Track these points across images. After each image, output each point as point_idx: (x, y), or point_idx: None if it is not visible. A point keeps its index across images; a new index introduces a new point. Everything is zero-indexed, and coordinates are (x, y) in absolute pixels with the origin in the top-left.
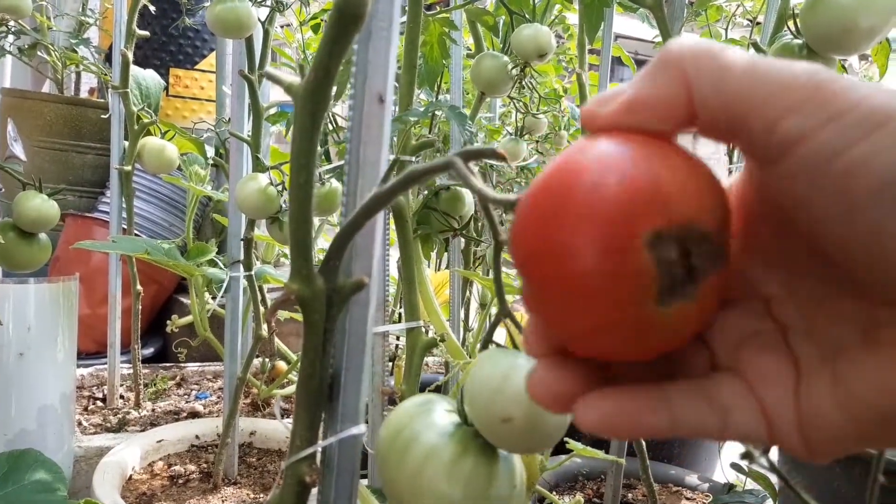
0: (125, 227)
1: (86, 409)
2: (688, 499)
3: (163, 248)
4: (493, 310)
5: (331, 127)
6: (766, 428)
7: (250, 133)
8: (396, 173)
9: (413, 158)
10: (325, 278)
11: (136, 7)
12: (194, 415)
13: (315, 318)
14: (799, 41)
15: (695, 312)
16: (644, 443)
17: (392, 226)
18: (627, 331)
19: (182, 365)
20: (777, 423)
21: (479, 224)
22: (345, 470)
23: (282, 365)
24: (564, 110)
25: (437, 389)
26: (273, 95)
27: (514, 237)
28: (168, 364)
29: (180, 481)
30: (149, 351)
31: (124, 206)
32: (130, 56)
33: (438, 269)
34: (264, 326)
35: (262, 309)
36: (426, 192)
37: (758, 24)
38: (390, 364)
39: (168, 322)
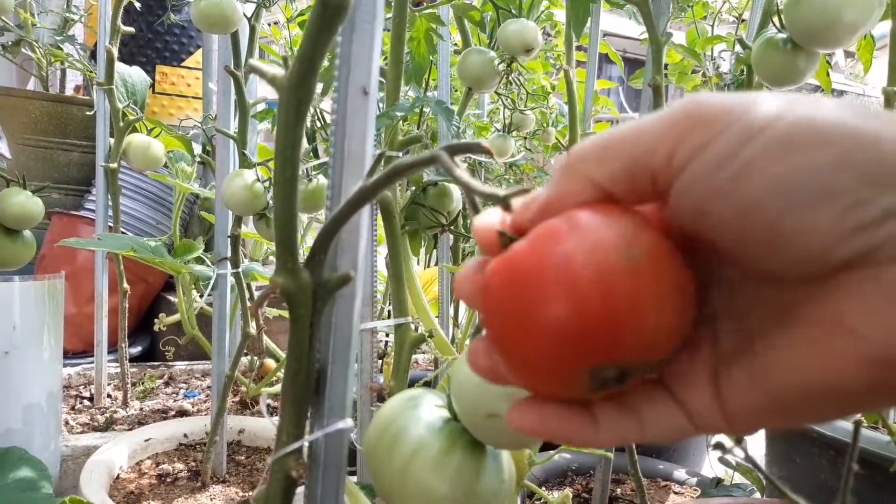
0: (111, 224)
1: (73, 408)
2: (676, 493)
3: (149, 246)
4: None
5: (319, 124)
6: (690, 422)
7: (237, 130)
8: (383, 169)
9: (400, 154)
10: (311, 272)
11: (120, 3)
12: (182, 413)
13: (301, 312)
14: (783, 35)
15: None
16: None
17: (380, 222)
18: (567, 393)
19: (170, 364)
20: (700, 415)
21: (468, 220)
22: (332, 464)
23: (270, 363)
24: (552, 107)
25: (427, 385)
26: (260, 92)
27: (487, 293)
28: (156, 363)
29: (168, 480)
30: (136, 350)
31: (110, 203)
32: (115, 52)
33: (428, 266)
34: (252, 324)
35: (249, 306)
36: (414, 188)
37: (743, 20)
38: (379, 361)
39: (156, 321)
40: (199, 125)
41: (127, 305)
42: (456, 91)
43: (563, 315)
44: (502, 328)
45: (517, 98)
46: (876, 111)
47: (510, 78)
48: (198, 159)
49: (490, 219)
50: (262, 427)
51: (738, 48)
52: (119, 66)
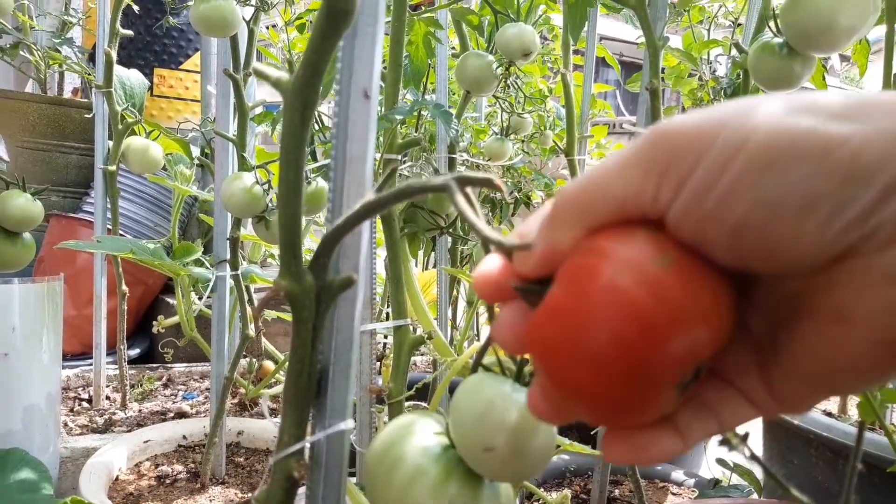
0: (110, 227)
1: (72, 410)
2: (674, 494)
3: (148, 248)
4: (482, 308)
5: (317, 126)
6: (755, 408)
7: (236, 133)
8: (382, 171)
9: (399, 157)
10: (315, 275)
11: (119, 6)
12: (181, 415)
13: (304, 314)
14: (779, 40)
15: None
16: None
17: (379, 225)
18: (650, 417)
19: (169, 365)
20: (759, 402)
21: (467, 224)
22: (333, 466)
23: (269, 365)
24: (549, 110)
25: (425, 387)
26: (259, 94)
27: (543, 345)
28: (155, 365)
29: (167, 481)
30: (135, 352)
31: (109, 206)
32: (114, 55)
33: (426, 269)
34: (251, 326)
35: (248, 309)
36: None
37: (739, 25)
38: (378, 363)
39: (154, 323)
40: (198, 128)
41: (126, 307)
42: (454, 95)
43: (636, 340)
44: (573, 374)
45: (515, 101)
46: (855, 102)
47: (508, 81)
48: (196, 162)
49: (487, 269)
50: (261, 429)
51: (734, 52)
52: (117, 69)
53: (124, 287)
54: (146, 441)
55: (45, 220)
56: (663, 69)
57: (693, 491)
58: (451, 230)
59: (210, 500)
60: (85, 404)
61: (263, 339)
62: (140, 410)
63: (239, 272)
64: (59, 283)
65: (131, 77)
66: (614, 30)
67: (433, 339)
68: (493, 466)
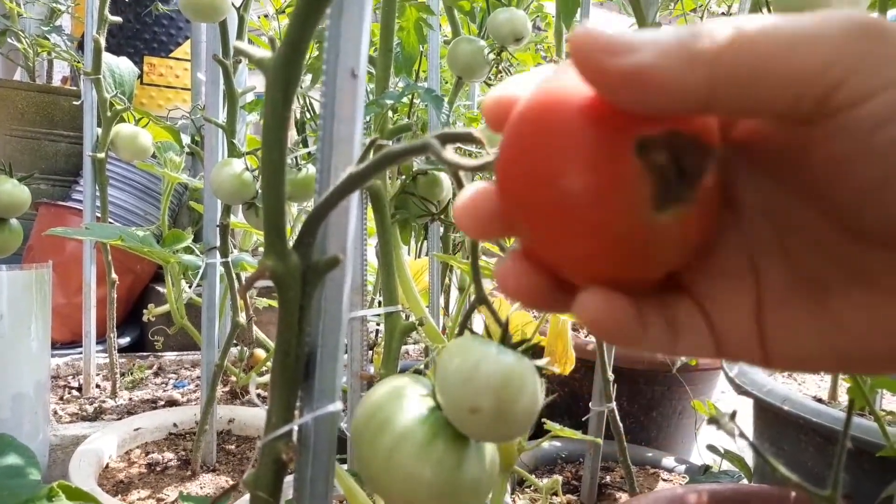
0: (99, 215)
1: (62, 398)
2: (665, 480)
3: (137, 236)
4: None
5: (309, 114)
6: (715, 348)
7: (226, 119)
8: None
9: (390, 142)
10: (300, 255)
11: None
12: (172, 403)
13: (290, 294)
14: None
15: (694, 219)
16: (622, 426)
17: (370, 213)
18: (628, 247)
19: (159, 354)
20: (730, 343)
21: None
22: (321, 449)
23: (260, 353)
24: None
25: (417, 373)
26: (250, 82)
27: (501, 169)
28: (145, 353)
29: (158, 469)
30: (125, 340)
31: (98, 194)
32: (103, 42)
33: (419, 257)
34: (242, 314)
35: (239, 293)
36: (404, 178)
37: (732, 13)
38: (370, 352)
39: (145, 311)
40: (188, 115)
41: (115, 295)
42: (447, 83)
43: (595, 101)
44: (538, 211)
45: None
46: None
47: (500, 67)
48: (186, 150)
49: (464, 197)
50: (252, 416)
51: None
52: (107, 57)
53: (114, 275)
54: (136, 429)
55: (35, 209)
56: None
57: (684, 477)
58: (442, 217)
59: (201, 488)
60: (75, 393)
61: (254, 328)
62: (130, 399)
63: (229, 259)
64: (48, 271)
65: (121, 65)
66: (607, 19)
67: (424, 326)
68: (478, 428)
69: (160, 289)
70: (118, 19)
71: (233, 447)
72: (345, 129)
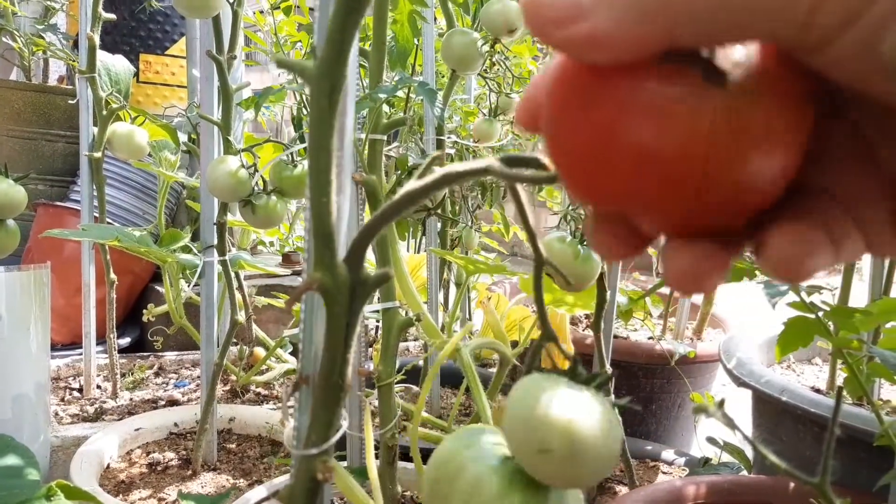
0: (97, 215)
1: (62, 399)
2: (664, 473)
3: (134, 236)
4: (472, 293)
5: (305, 111)
6: (865, 247)
7: (221, 116)
8: (368, 152)
9: (384, 137)
10: (350, 269)
11: None
12: (173, 403)
13: (337, 309)
14: None
15: (773, 108)
16: (621, 419)
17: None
18: (729, 144)
19: (160, 354)
20: (881, 233)
21: (455, 205)
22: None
23: (260, 352)
24: None
25: (415, 370)
26: (247, 80)
27: (553, 138)
28: (145, 353)
29: (159, 468)
30: (125, 341)
31: (95, 194)
32: (97, 39)
33: (417, 253)
34: (241, 312)
35: (237, 295)
36: (399, 172)
37: None
38: (369, 349)
39: (144, 311)
40: (183, 113)
41: (114, 296)
42: (442, 77)
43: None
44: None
45: (503, 82)
46: None
47: (494, 60)
48: (183, 148)
49: (526, 91)
50: (253, 415)
51: None
52: (102, 55)
53: (113, 275)
54: (137, 429)
55: (33, 210)
56: None
57: (683, 470)
58: (439, 212)
59: (202, 487)
60: (76, 394)
61: (255, 326)
62: (131, 399)
63: (227, 258)
64: (47, 272)
65: (116, 63)
66: None
67: (422, 322)
68: (549, 469)
69: (160, 289)
70: (112, 16)
71: (234, 446)
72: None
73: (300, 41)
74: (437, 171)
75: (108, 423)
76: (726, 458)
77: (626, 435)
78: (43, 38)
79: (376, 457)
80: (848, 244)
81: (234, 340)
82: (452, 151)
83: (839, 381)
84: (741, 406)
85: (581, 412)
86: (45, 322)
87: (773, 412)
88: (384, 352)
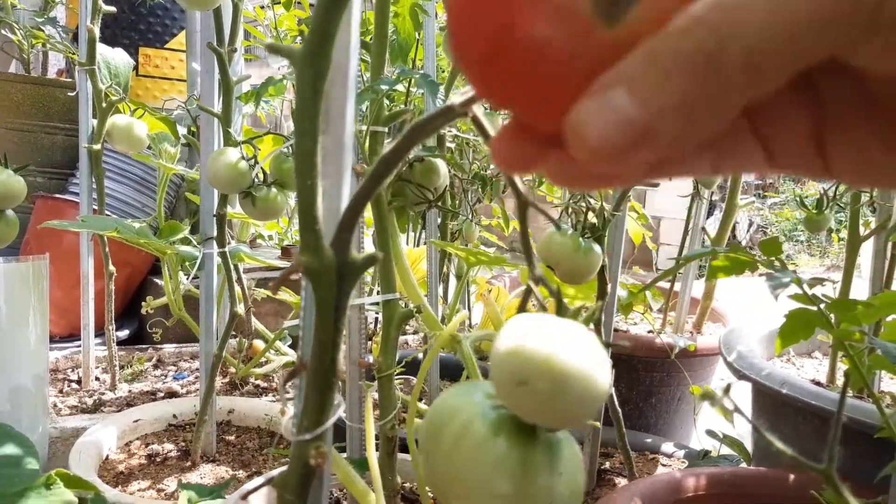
0: (96, 207)
1: (61, 391)
2: (664, 465)
3: (133, 227)
4: (471, 286)
5: None
6: (767, 162)
7: (221, 108)
8: (370, 145)
9: (386, 129)
10: (336, 251)
11: None
12: (171, 395)
13: (324, 293)
14: None
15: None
16: (620, 412)
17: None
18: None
19: (159, 346)
20: (787, 156)
21: (456, 198)
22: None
23: (259, 344)
24: None
25: (415, 362)
26: (246, 71)
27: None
28: (144, 345)
29: (158, 460)
30: (124, 333)
31: (95, 186)
32: (97, 32)
33: (417, 245)
34: (240, 305)
35: (236, 287)
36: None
37: None
38: (369, 342)
39: (143, 304)
40: (183, 105)
41: (113, 288)
42: (443, 72)
43: None
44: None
45: None
46: None
47: None
48: (182, 140)
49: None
50: (252, 407)
51: None
52: (101, 49)
53: (111, 267)
54: (136, 420)
55: (32, 202)
56: None
57: (683, 462)
58: (439, 204)
59: (201, 478)
60: (74, 385)
61: (253, 318)
62: (130, 391)
63: (226, 250)
64: (45, 263)
65: (116, 56)
66: None
67: (423, 314)
68: (530, 404)
69: (158, 281)
70: (112, 9)
71: (232, 438)
72: (336, 108)
73: (300, 35)
74: (408, 128)
75: (107, 415)
76: (725, 450)
77: (626, 427)
78: (42, 30)
79: (376, 448)
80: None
81: (233, 333)
82: (453, 145)
83: (839, 374)
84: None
85: (562, 341)
86: (43, 314)
87: (773, 405)
88: (384, 343)
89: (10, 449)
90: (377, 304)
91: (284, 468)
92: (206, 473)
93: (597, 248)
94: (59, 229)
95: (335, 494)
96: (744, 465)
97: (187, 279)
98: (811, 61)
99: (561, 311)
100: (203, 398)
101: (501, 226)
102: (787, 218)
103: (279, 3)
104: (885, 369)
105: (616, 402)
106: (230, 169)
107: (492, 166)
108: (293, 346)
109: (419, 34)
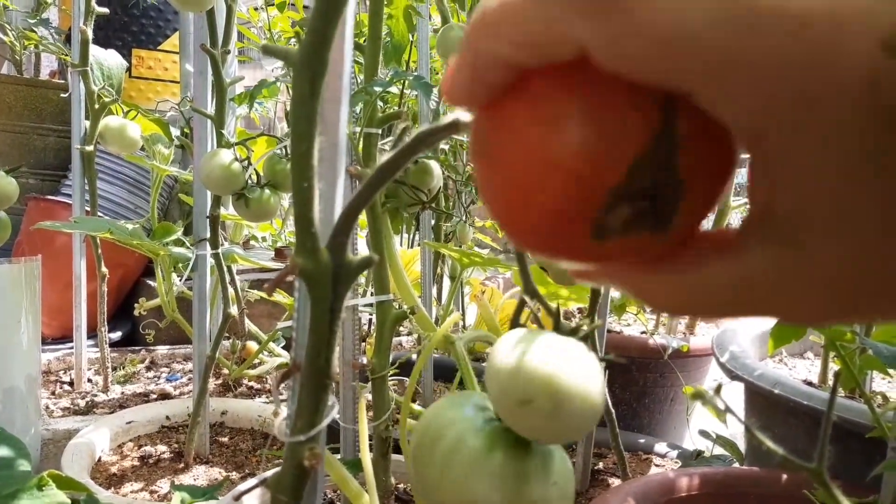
0: (88, 209)
1: (53, 393)
2: (657, 466)
3: (126, 229)
4: (465, 287)
5: None
6: None
7: (214, 110)
8: (363, 147)
9: (379, 131)
10: (333, 253)
11: None
12: (164, 396)
13: (320, 295)
14: None
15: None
16: (614, 412)
17: None
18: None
19: (152, 348)
20: None
21: (450, 200)
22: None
23: (252, 346)
24: None
25: (409, 363)
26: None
27: (480, 145)
28: (137, 347)
29: (151, 461)
30: (117, 335)
31: (87, 188)
32: (90, 33)
33: (411, 246)
34: (233, 306)
35: (230, 289)
36: None
37: None
38: (362, 343)
39: (136, 305)
40: (176, 107)
41: (105, 290)
42: (437, 74)
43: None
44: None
45: None
46: None
47: None
48: (176, 142)
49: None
50: (246, 408)
51: None
52: (94, 50)
53: (104, 269)
54: (129, 422)
55: (24, 204)
56: None
57: (676, 462)
58: (433, 205)
59: (194, 479)
60: (67, 387)
61: (247, 320)
62: (122, 393)
63: (219, 251)
64: (37, 265)
65: (109, 58)
66: None
67: (416, 315)
68: (532, 422)
69: (152, 283)
70: (105, 10)
71: (226, 439)
72: (330, 110)
73: (294, 37)
74: (409, 138)
75: (100, 417)
76: (718, 450)
77: (619, 428)
78: (34, 32)
79: (370, 449)
80: None
81: (227, 334)
82: (446, 147)
83: (831, 375)
84: (733, 400)
85: (564, 361)
86: (35, 315)
87: (765, 405)
88: (378, 344)
89: (2, 451)
90: (371, 305)
91: (278, 469)
92: (200, 475)
93: None
94: (52, 231)
95: (329, 496)
96: (736, 465)
97: (180, 281)
98: None
99: (559, 328)
100: (196, 400)
101: (495, 227)
102: None
103: (273, 4)
104: (877, 370)
105: (609, 403)
106: (223, 170)
107: None
108: (287, 348)
109: (413, 36)
